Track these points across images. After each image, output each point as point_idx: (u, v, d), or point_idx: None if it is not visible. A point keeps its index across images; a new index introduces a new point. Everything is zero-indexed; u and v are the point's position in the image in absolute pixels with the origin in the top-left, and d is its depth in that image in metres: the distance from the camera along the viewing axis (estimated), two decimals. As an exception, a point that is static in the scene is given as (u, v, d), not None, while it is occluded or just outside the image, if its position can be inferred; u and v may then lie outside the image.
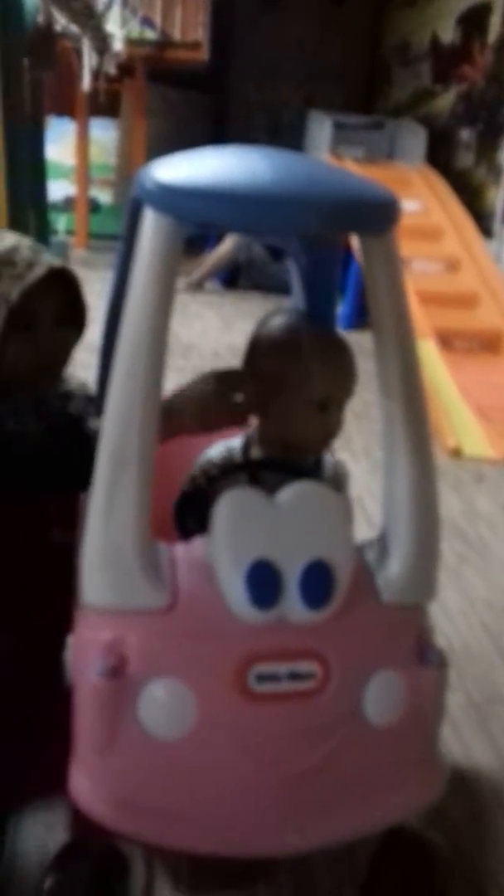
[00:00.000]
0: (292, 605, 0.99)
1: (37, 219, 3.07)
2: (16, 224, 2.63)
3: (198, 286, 5.19)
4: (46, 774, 1.41)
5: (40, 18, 2.76)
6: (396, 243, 1.08)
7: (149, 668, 0.99)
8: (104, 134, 6.69)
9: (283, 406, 1.21)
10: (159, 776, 1.01)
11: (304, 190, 1.02)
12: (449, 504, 2.57)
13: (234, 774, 1.00)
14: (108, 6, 4.81)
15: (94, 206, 6.66)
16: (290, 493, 1.05)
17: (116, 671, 0.99)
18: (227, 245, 5.17)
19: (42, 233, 3.26)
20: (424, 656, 1.06)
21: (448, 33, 5.22)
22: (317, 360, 1.21)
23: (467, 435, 3.04)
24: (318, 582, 1.00)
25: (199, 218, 1.02)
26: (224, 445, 1.30)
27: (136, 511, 1.00)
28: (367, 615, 1.05)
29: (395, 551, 1.08)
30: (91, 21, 3.48)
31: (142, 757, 1.00)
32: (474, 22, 4.88)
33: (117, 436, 1.00)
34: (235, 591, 0.99)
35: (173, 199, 0.99)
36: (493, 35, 4.70)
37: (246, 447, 1.28)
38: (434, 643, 1.09)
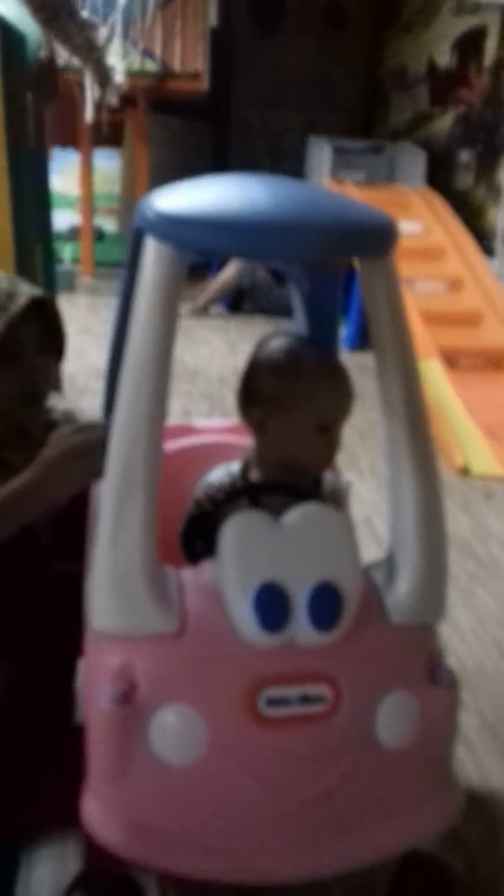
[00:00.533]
0: (301, 627, 0.99)
1: (43, 249, 3.09)
2: (23, 254, 2.65)
3: (203, 311, 5.23)
4: (57, 805, 1.41)
5: (42, 53, 2.82)
6: (395, 265, 1.09)
7: (159, 693, 0.99)
8: (108, 164, 6.78)
9: (285, 428, 1.22)
10: (171, 802, 1.00)
11: (302, 217, 1.03)
12: (458, 523, 2.57)
13: (246, 799, 1.00)
14: (109, 39, 4.90)
15: (99, 235, 6.74)
16: (296, 515, 1.05)
17: (126, 697, 0.99)
18: (231, 270, 5.21)
19: (48, 262, 3.29)
20: (436, 677, 1.06)
21: (444, 57, 5.28)
22: (318, 383, 1.22)
23: (475, 453, 3.04)
24: (326, 604, 0.99)
25: (199, 246, 1.03)
26: (224, 470, 1.30)
27: (143, 536, 1.01)
28: (376, 637, 1.05)
29: (403, 571, 1.08)
30: (92, 54, 3.54)
31: (153, 783, 1.00)
32: (470, 46, 4.94)
33: (123, 461, 1.01)
34: (244, 614, 0.99)
35: (174, 228, 1.01)
36: (488, 58, 4.76)
37: (245, 470, 1.29)
38: (445, 663, 1.09)
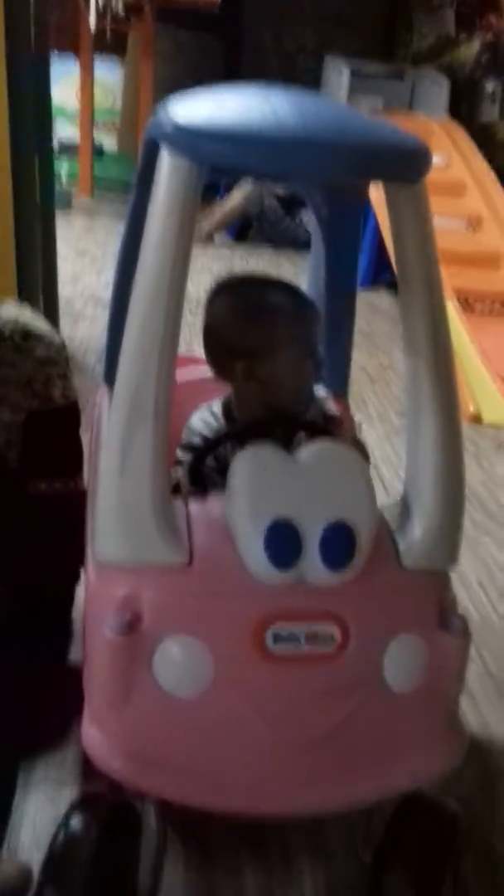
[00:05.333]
0: (312, 566, 0.97)
1: (41, 164, 2.93)
2: (20, 169, 2.52)
3: (207, 238, 5.08)
4: (54, 728, 1.42)
5: None
6: (426, 194, 1.03)
7: (164, 624, 0.97)
8: (109, 75, 6.47)
9: (276, 370, 1.20)
10: (173, 733, 1.00)
11: (332, 134, 0.97)
12: (468, 472, 2.52)
13: (250, 734, 0.99)
14: None
15: (98, 152, 6.48)
16: (311, 451, 1.02)
17: (131, 627, 0.97)
18: (238, 197, 5.04)
19: (47, 179, 3.14)
20: (447, 622, 1.04)
21: (473, -21, 5.03)
22: (296, 314, 1.22)
23: (487, 401, 2.96)
24: (339, 543, 0.97)
25: (220, 162, 0.96)
26: (207, 411, 1.28)
27: (152, 465, 0.97)
28: (387, 579, 1.03)
29: (418, 515, 1.05)
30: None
31: (156, 713, 0.99)
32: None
33: (133, 388, 0.97)
34: (254, 550, 0.96)
35: (193, 142, 0.94)
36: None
37: (228, 415, 1.27)
38: (457, 610, 1.07)
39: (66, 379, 1.44)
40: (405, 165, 0.99)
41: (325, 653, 0.99)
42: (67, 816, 1.07)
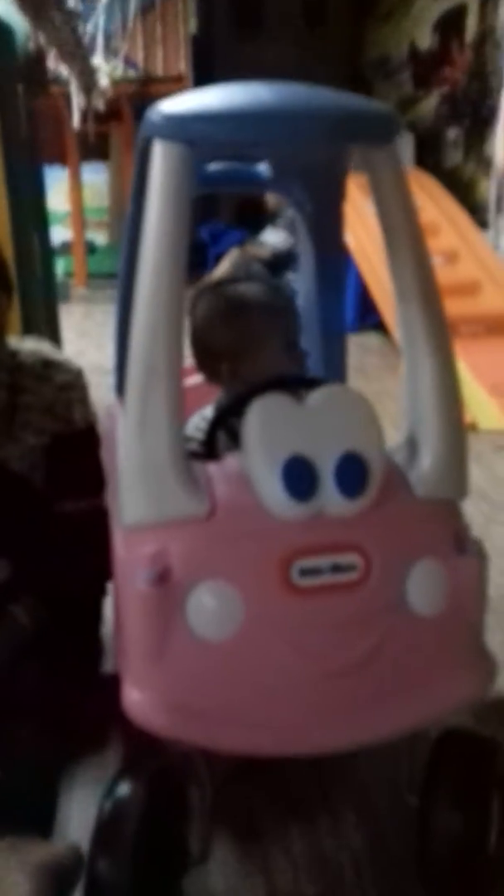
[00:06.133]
0: (329, 496, 1.01)
1: (43, 261, 3.12)
2: (23, 267, 2.65)
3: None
4: (91, 730, 1.42)
5: (31, 45, 2.87)
6: (398, 155, 1.12)
7: (194, 573, 1.01)
8: (96, 178, 6.85)
9: (258, 366, 1.26)
10: (211, 679, 1.02)
11: (308, 105, 1.07)
12: (470, 473, 2.59)
13: (285, 670, 1.01)
14: (91, 51, 4.97)
15: (91, 248, 6.79)
16: (318, 395, 1.08)
17: (162, 578, 1.00)
18: (225, 266, 5.24)
19: (49, 275, 3.34)
20: (463, 546, 1.08)
21: (426, 40, 5.36)
22: (272, 310, 1.29)
23: (482, 410, 3.08)
24: (352, 472, 1.01)
25: (206, 138, 1.05)
26: (198, 417, 1.34)
27: (169, 422, 1.03)
28: (403, 507, 1.07)
29: (425, 447, 1.10)
30: (79, 51, 3.60)
31: (193, 661, 1.02)
32: (451, 25, 5.02)
33: (145, 350, 1.04)
34: (272, 488, 1.01)
35: (180, 125, 1.04)
36: (470, 34, 4.83)
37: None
38: (471, 535, 1.11)
39: (85, 403, 1.50)
40: (377, 127, 1.09)
41: (350, 581, 1.02)
42: (113, 783, 1.07)
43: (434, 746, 1.13)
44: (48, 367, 1.46)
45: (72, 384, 1.47)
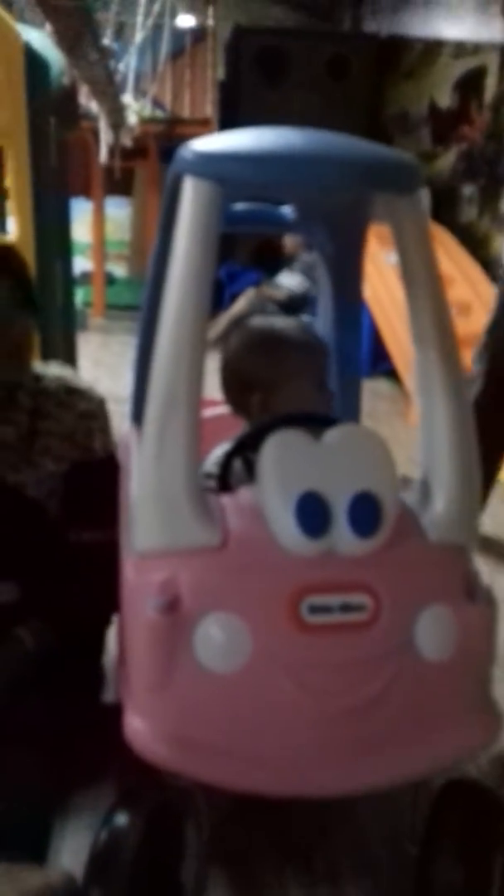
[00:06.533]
0: (342, 535, 1.01)
1: (64, 290, 3.16)
2: (45, 296, 2.68)
3: (214, 344, 5.31)
4: (89, 760, 1.41)
5: (65, 79, 2.95)
6: (422, 205, 1.15)
7: (203, 603, 1.01)
8: (119, 212, 6.98)
9: (289, 401, 1.27)
10: (215, 712, 1.01)
11: (337, 150, 1.10)
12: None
13: (290, 707, 1.01)
14: (122, 88, 5.09)
15: (110, 280, 6.89)
16: (335, 433, 1.09)
17: (172, 607, 1.00)
18: (242, 303, 5.32)
19: (69, 304, 3.38)
20: (473, 593, 1.08)
21: (445, 99, 5.47)
22: (308, 349, 1.31)
23: None
24: (366, 511, 1.02)
25: (237, 177, 1.08)
26: (220, 451, 1.32)
27: (186, 451, 1.04)
28: (414, 551, 1.07)
29: (438, 492, 1.10)
30: (110, 88, 3.70)
31: (198, 693, 1.01)
32: (471, 85, 5.13)
33: (167, 380, 1.05)
34: (285, 523, 1.01)
35: (212, 164, 1.07)
36: (489, 95, 4.94)
37: None
38: (481, 582, 1.10)
39: (106, 433, 1.51)
40: (402, 176, 1.11)
41: (360, 621, 1.02)
42: (110, 814, 1.06)
43: (437, 796, 1.12)
44: (71, 395, 1.47)
45: (94, 413, 1.48)
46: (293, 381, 1.28)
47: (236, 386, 1.33)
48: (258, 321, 1.40)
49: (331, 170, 1.07)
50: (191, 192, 1.08)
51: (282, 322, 1.37)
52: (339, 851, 1.24)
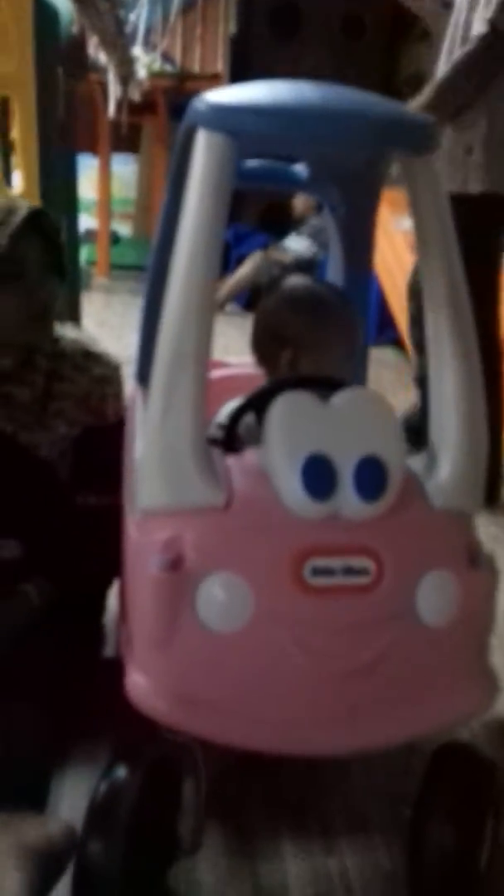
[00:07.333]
0: (347, 498, 1.01)
1: (69, 250, 3.13)
2: None
3: (219, 308, 5.28)
4: (88, 718, 1.42)
5: (75, 28, 2.89)
6: (437, 167, 1.12)
7: (206, 563, 1.01)
8: (124, 169, 6.86)
9: (321, 360, 1.26)
10: (216, 670, 1.02)
11: (355, 105, 1.08)
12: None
13: (290, 668, 1.01)
14: (131, 40, 4.98)
15: (115, 239, 6.81)
16: (343, 396, 1.08)
17: (175, 565, 1.00)
18: (247, 268, 5.27)
19: (74, 264, 3.34)
20: (475, 560, 1.08)
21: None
22: (345, 315, 1.30)
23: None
24: (371, 475, 1.01)
25: (249, 131, 1.06)
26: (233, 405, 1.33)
27: (192, 409, 1.03)
28: (418, 516, 1.07)
29: (444, 459, 1.10)
30: (119, 39, 3.62)
31: (199, 651, 1.02)
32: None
33: (175, 337, 1.04)
34: (291, 485, 1.01)
35: (226, 116, 1.05)
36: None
37: None
38: (483, 549, 1.10)
39: (119, 398, 1.52)
40: (417, 135, 1.09)
41: (362, 585, 1.02)
42: (109, 767, 1.07)
43: (431, 759, 1.13)
44: (88, 358, 1.47)
45: (109, 378, 1.48)
46: (328, 344, 1.27)
47: (269, 338, 1.32)
48: (303, 281, 1.39)
49: (349, 124, 1.05)
50: (204, 145, 1.05)
51: (325, 287, 1.37)
52: (333, 810, 1.26)
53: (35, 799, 1.16)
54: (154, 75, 5.44)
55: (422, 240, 1.13)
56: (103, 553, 1.36)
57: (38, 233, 1.37)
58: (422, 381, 2.56)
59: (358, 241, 1.52)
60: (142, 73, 4.91)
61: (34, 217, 1.36)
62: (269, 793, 1.23)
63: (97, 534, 1.39)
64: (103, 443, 1.45)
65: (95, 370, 1.46)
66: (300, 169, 1.49)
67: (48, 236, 1.39)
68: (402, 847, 1.13)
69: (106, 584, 1.61)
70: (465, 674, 1.08)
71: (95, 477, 1.45)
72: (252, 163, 1.47)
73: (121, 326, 4.82)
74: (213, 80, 5.61)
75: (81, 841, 1.04)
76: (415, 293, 2.48)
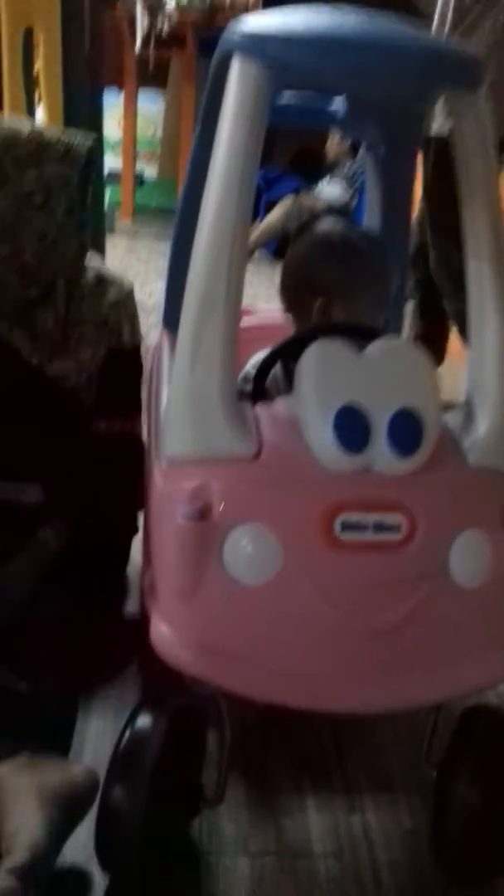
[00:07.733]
0: (380, 452, 0.98)
1: (94, 192, 3.06)
2: None
3: (248, 255, 5.18)
4: (110, 660, 1.43)
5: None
6: (485, 105, 1.06)
7: (234, 513, 0.98)
8: (151, 107, 6.67)
9: (353, 309, 1.22)
10: (242, 623, 1.00)
11: (401, 37, 1.01)
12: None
13: (317, 622, 0.99)
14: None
15: (140, 180, 6.66)
16: (378, 346, 1.04)
17: (202, 515, 0.98)
18: (277, 214, 5.14)
19: (98, 206, 3.28)
20: (509, 521, 1.04)
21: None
22: (378, 262, 1.26)
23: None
24: (406, 429, 0.98)
25: (289, 63, 1.00)
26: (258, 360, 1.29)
27: (222, 357, 1.00)
28: (453, 474, 1.03)
29: (482, 415, 1.06)
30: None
31: (225, 602, 1.00)
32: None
33: (206, 278, 1.00)
34: (323, 436, 0.98)
35: (263, 45, 0.99)
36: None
37: None
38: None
39: (134, 322, 1.54)
40: (465, 71, 1.03)
41: (393, 542, 0.99)
42: (134, 715, 1.07)
43: (458, 721, 1.11)
44: (102, 283, 1.48)
45: (123, 301, 1.50)
46: (361, 290, 1.23)
47: (300, 286, 1.27)
48: (336, 225, 1.32)
49: (395, 57, 0.98)
50: (238, 75, 1.00)
51: (361, 234, 1.32)
52: (357, 769, 1.26)
53: (59, 743, 1.16)
54: (184, 8, 5.26)
55: (464, 185, 1.07)
56: (119, 486, 1.36)
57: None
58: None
59: (397, 183, 1.45)
60: (171, 4, 4.76)
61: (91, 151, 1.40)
62: (293, 750, 1.23)
63: (117, 465, 1.39)
64: (117, 368, 1.47)
65: (110, 294, 1.48)
66: (338, 105, 1.42)
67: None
68: (424, 806, 1.12)
69: (128, 533, 1.60)
70: (495, 636, 1.06)
71: (107, 403, 1.47)
72: (285, 96, 1.41)
73: (144, 272, 4.76)
74: (245, 12, 5.42)
75: (104, 786, 1.05)
76: (422, 257, 2.38)
